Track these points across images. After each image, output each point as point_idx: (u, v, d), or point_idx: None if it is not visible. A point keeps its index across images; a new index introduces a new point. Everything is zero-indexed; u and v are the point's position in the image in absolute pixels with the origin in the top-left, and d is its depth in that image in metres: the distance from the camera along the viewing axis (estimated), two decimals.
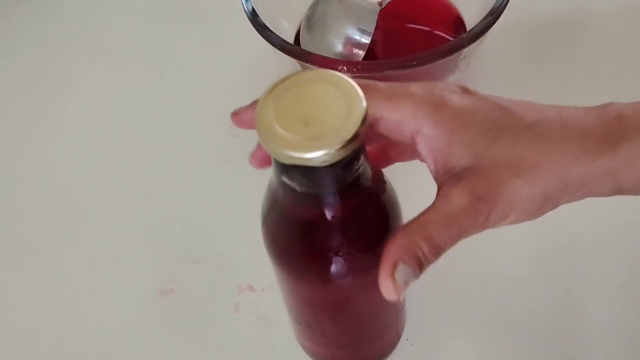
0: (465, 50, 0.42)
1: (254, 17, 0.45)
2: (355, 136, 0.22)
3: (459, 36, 0.43)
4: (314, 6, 0.50)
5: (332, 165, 0.22)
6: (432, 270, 0.42)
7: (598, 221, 0.43)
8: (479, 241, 0.42)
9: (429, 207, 0.26)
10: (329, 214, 0.26)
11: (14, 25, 0.62)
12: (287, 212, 0.27)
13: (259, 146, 0.30)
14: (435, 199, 0.26)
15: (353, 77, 0.24)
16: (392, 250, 0.25)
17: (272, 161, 0.24)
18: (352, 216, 0.26)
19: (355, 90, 0.23)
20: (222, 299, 0.42)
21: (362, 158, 0.25)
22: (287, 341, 0.40)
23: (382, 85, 0.27)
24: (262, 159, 0.30)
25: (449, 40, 0.46)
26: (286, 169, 0.23)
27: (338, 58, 0.48)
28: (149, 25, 0.60)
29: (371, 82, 0.27)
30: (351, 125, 0.22)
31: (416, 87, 0.27)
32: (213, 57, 0.57)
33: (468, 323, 0.40)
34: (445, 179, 0.26)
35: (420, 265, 0.25)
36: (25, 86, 0.57)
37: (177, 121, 0.53)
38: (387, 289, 0.25)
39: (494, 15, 0.42)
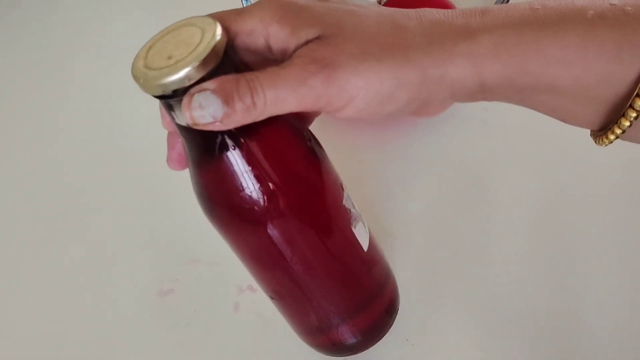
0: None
1: None
2: (210, 55, 0.24)
3: None
4: None
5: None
6: (432, 270, 0.42)
7: (598, 221, 0.43)
8: (479, 242, 0.42)
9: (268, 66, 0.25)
10: (225, 145, 0.26)
11: (14, 26, 0.62)
12: (196, 162, 0.28)
13: (169, 147, 0.30)
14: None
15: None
16: (213, 80, 0.24)
17: (159, 106, 0.26)
18: (249, 143, 0.26)
19: (212, 22, 0.25)
20: (222, 299, 0.42)
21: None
22: (287, 341, 0.40)
23: (235, 9, 0.27)
24: (178, 157, 0.30)
25: None
26: (168, 106, 0.25)
27: None
28: (149, 25, 0.60)
29: (226, 10, 0.27)
30: (204, 46, 0.24)
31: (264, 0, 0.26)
32: None
33: (468, 323, 0.40)
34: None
35: (229, 101, 0.23)
36: (25, 86, 0.57)
37: None
38: (183, 104, 0.24)
39: None
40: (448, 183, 0.45)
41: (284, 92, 0.24)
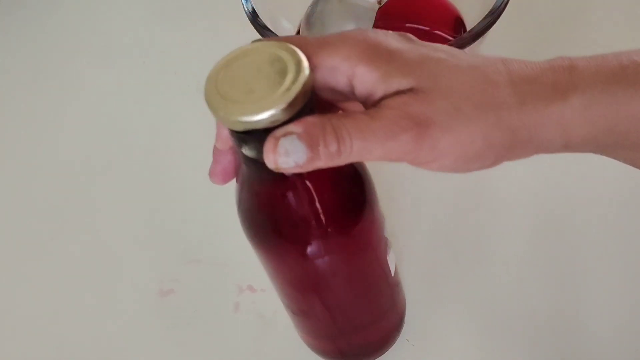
0: (465, 51, 0.42)
1: (254, 17, 0.45)
2: (299, 94, 0.22)
3: (459, 36, 0.43)
4: (313, 5, 0.50)
5: (279, 127, 0.23)
6: (433, 270, 0.42)
7: (599, 221, 0.43)
8: (479, 241, 0.42)
9: (359, 112, 0.24)
10: (292, 184, 0.26)
11: (14, 26, 0.62)
12: (254, 190, 0.27)
13: (214, 161, 0.29)
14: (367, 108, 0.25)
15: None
16: (296, 122, 0.23)
17: (230, 135, 0.25)
18: (316, 182, 0.26)
19: (294, 51, 0.24)
20: (222, 299, 0.42)
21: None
22: (287, 341, 0.40)
23: (314, 37, 0.26)
24: (224, 170, 0.29)
25: (449, 40, 0.46)
26: (242, 139, 0.24)
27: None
28: (149, 25, 0.60)
29: (302, 36, 0.26)
30: (293, 84, 0.23)
31: (350, 32, 0.25)
32: (213, 57, 0.57)
33: (468, 323, 0.40)
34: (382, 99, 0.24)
35: (314, 147, 0.22)
36: (26, 86, 0.57)
37: (177, 121, 0.53)
38: (266, 148, 0.23)
39: (494, 15, 0.42)
40: (449, 183, 0.45)
41: (372, 144, 0.23)
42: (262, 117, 0.22)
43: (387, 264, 0.33)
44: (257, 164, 0.24)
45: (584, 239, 0.42)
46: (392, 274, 0.34)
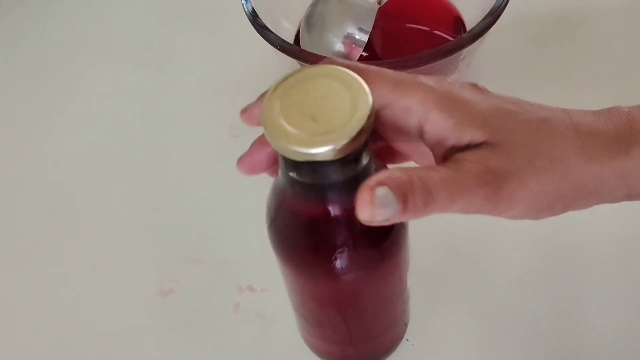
0: (465, 51, 0.42)
1: (254, 17, 0.45)
2: (363, 130, 0.22)
3: (458, 36, 0.43)
4: (313, 5, 0.50)
5: (341, 160, 0.22)
6: (433, 271, 0.42)
7: (598, 221, 0.43)
8: (479, 241, 0.42)
9: (439, 166, 0.25)
10: (338, 209, 0.26)
11: (14, 26, 0.62)
12: (296, 210, 0.27)
13: (250, 152, 0.29)
14: (445, 161, 0.25)
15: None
16: (384, 175, 0.23)
17: (280, 159, 0.24)
18: None
19: (360, 83, 0.23)
20: (222, 299, 0.42)
21: (369, 151, 0.25)
22: (287, 341, 0.40)
23: (390, 72, 0.26)
24: (255, 164, 0.29)
25: (449, 40, 0.46)
26: (295, 165, 0.24)
27: (337, 57, 0.48)
28: (149, 25, 0.60)
29: (379, 68, 0.26)
30: (358, 119, 0.22)
31: (425, 78, 0.26)
32: (213, 57, 0.57)
33: (468, 323, 0.40)
34: (457, 152, 0.25)
35: (404, 201, 0.23)
36: (26, 86, 0.57)
37: (177, 121, 0.53)
38: (362, 200, 0.23)
39: (494, 15, 0.42)
40: None
41: (456, 197, 0.24)
42: (322, 150, 0.22)
43: (406, 280, 0.34)
44: (304, 188, 0.25)
45: (585, 239, 0.42)
46: (408, 287, 0.35)
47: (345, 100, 0.23)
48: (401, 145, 0.29)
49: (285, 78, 0.24)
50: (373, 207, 0.22)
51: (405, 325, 0.39)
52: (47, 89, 0.57)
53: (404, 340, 0.39)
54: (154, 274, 0.44)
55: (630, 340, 0.38)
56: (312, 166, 0.23)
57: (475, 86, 0.27)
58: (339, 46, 0.49)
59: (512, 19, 0.46)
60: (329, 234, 0.27)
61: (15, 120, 0.55)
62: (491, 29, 0.42)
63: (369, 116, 0.22)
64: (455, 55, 0.42)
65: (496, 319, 0.40)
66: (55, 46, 0.60)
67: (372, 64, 0.42)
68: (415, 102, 0.25)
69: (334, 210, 0.26)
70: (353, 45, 0.49)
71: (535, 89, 0.51)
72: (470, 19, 0.49)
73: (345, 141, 0.22)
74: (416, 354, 0.39)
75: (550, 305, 0.40)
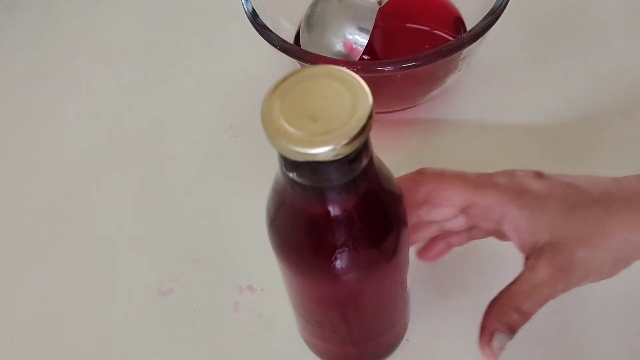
0: (465, 51, 0.42)
1: (254, 17, 0.45)
2: (363, 130, 0.22)
3: (459, 36, 0.43)
4: (313, 5, 0.50)
5: (341, 160, 0.23)
6: (433, 270, 0.42)
7: None
8: (479, 241, 0.42)
9: (517, 278, 0.31)
10: (339, 209, 0.26)
11: (14, 25, 0.62)
12: (296, 210, 0.27)
13: (431, 243, 0.38)
14: (523, 270, 0.31)
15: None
16: (489, 321, 0.31)
17: (279, 159, 0.24)
18: (363, 209, 0.26)
19: (360, 84, 0.23)
20: (222, 299, 0.42)
21: (370, 152, 0.25)
22: (287, 341, 0.40)
23: (471, 175, 0.33)
24: (436, 253, 0.38)
25: (449, 40, 0.46)
26: (295, 165, 0.24)
27: (337, 57, 0.48)
28: (148, 25, 0.60)
29: (460, 172, 0.33)
30: (358, 120, 0.22)
31: (499, 177, 0.32)
32: (213, 57, 0.57)
33: (468, 323, 0.40)
34: (530, 252, 0.31)
35: (511, 331, 0.30)
36: (25, 86, 0.57)
37: (177, 121, 0.53)
38: (487, 355, 0.31)
39: (494, 15, 0.42)
40: None
41: (542, 302, 0.31)
42: (322, 151, 0.22)
43: (407, 280, 0.34)
44: (304, 188, 0.25)
45: None
46: (408, 287, 0.35)
47: (345, 100, 0.23)
48: (486, 228, 0.35)
49: (285, 78, 0.24)
50: (496, 355, 0.31)
51: (406, 325, 0.39)
52: (46, 89, 0.57)
53: (404, 340, 0.39)
54: (154, 274, 0.44)
55: (631, 339, 0.38)
56: (312, 166, 0.23)
57: (540, 176, 0.33)
58: (339, 46, 0.49)
59: (512, 19, 0.46)
60: (329, 234, 0.27)
61: (15, 120, 0.55)
62: (491, 29, 0.42)
63: (369, 116, 0.22)
64: (455, 55, 0.42)
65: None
66: (55, 46, 0.60)
67: (372, 64, 0.43)
68: (494, 203, 0.31)
69: (334, 210, 0.26)
70: (353, 46, 0.49)
71: (535, 88, 0.51)
72: (470, 19, 0.49)
73: (345, 141, 0.22)
74: (416, 354, 0.39)
75: (550, 305, 0.40)
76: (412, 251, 0.35)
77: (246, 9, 0.45)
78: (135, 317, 0.42)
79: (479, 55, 0.48)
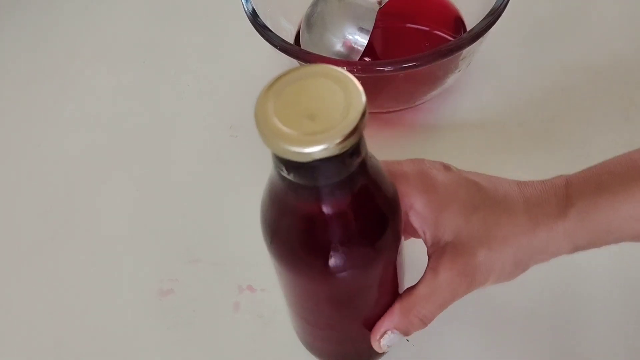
0: (465, 51, 0.42)
1: (254, 17, 0.45)
2: (355, 130, 0.22)
3: (459, 36, 0.43)
4: (313, 5, 0.50)
5: (334, 159, 0.23)
6: None
7: None
8: None
9: (421, 278, 0.32)
10: (333, 207, 0.26)
11: (14, 26, 0.62)
12: (291, 209, 0.27)
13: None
14: (426, 270, 0.32)
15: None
16: (385, 322, 0.32)
17: (273, 158, 0.24)
18: (357, 207, 0.26)
19: (354, 83, 0.23)
20: (222, 298, 0.42)
21: (364, 151, 0.25)
22: (287, 341, 0.40)
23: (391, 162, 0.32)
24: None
25: (449, 40, 0.46)
26: (288, 164, 0.24)
27: (337, 57, 0.48)
28: (148, 25, 0.60)
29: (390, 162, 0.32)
30: (351, 119, 0.22)
31: (408, 166, 0.32)
32: (213, 57, 0.57)
33: (468, 323, 0.40)
34: (433, 250, 0.31)
35: (407, 334, 0.32)
36: (25, 86, 0.57)
37: (177, 121, 0.53)
38: (375, 347, 0.33)
39: (494, 15, 0.42)
40: None
41: (446, 303, 0.31)
42: (314, 150, 0.22)
43: (403, 276, 0.34)
44: (298, 187, 0.25)
45: None
46: (404, 283, 0.35)
47: (339, 99, 0.23)
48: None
49: (279, 77, 0.24)
50: (383, 349, 0.33)
51: None
52: (46, 89, 0.57)
53: (404, 340, 0.39)
54: (154, 274, 0.44)
55: (631, 338, 0.38)
56: (306, 165, 0.23)
57: (447, 168, 0.32)
58: (339, 46, 0.49)
59: (512, 19, 0.46)
60: (324, 233, 0.27)
61: (15, 120, 0.55)
62: (491, 29, 0.42)
63: (363, 115, 0.22)
64: (455, 55, 0.42)
65: (496, 318, 0.40)
66: (55, 46, 0.60)
67: (372, 64, 0.42)
68: (402, 194, 0.30)
69: (327, 209, 0.26)
70: (353, 46, 0.49)
71: (535, 88, 0.51)
72: (470, 19, 0.49)
73: (338, 140, 0.22)
74: (416, 354, 0.39)
75: (551, 304, 0.40)
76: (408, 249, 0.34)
77: (246, 9, 0.45)
78: (135, 317, 0.42)
79: (479, 55, 0.48)
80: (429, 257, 0.32)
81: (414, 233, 0.32)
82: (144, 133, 0.52)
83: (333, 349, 0.38)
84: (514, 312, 0.40)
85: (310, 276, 0.29)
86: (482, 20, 0.42)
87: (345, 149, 0.22)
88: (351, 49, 0.49)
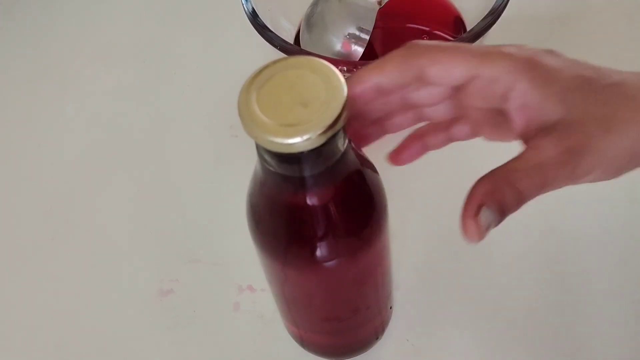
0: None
1: (254, 17, 0.45)
2: (338, 120, 0.22)
3: (459, 36, 0.43)
4: (313, 5, 0.50)
5: (316, 150, 0.23)
6: (433, 270, 0.42)
7: (600, 219, 0.43)
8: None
9: (517, 156, 0.26)
10: (317, 198, 0.26)
11: (14, 26, 0.62)
12: (275, 201, 0.27)
13: (404, 147, 0.32)
14: (524, 150, 0.27)
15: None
16: (477, 193, 0.25)
17: (257, 149, 0.25)
18: (341, 197, 0.27)
19: (336, 75, 0.24)
20: (222, 298, 0.42)
21: (345, 143, 0.25)
22: (287, 341, 0.40)
23: (472, 46, 0.28)
24: (409, 156, 0.32)
25: (449, 40, 0.46)
26: (272, 156, 0.24)
27: (337, 57, 0.48)
28: (148, 25, 0.60)
29: (461, 44, 0.28)
30: (333, 110, 0.23)
31: (508, 48, 0.28)
32: (213, 57, 0.57)
33: (468, 323, 0.40)
34: (536, 132, 0.27)
35: (502, 211, 0.25)
36: (25, 86, 0.57)
37: (177, 121, 0.53)
38: (470, 230, 0.25)
39: (494, 15, 0.42)
40: (448, 181, 0.45)
41: (543, 185, 0.26)
42: (296, 141, 0.22)
43: (390, 266, 0.34)
44: (281, 178, 0.25)
45: (586, 236, 0.42)
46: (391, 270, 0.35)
47: (321, 91, 0.23)
48: (475, 116, 0.30)
49: (262, 69, 0.24)
50: (481, 232, 0.25)
51: (391, 309, 0.39)
52: (46, 89, 0.57)
53: (403, 340, 0.39)
54: (154, 274, 0.44)
55: (631, 337, 0.38)
56: (289, 156, 0.23)
57: (553, 53, 0.29)
58: (339, 46, 0.49)
59: (512, 19, 0.46)
60: (309, 224, 0.27)
61: (15, 120, 0.55)
62: (491, 28, 0.42)
63: (344, 107, 0.23)
64: None
65: (496, 318, 0.40)
66: (55, 46, 0.60)
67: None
68: (503, 72, 0.27)
69: (311, 199, 0.26)
70: (353, 46, 0.49)
71: None
72: (470, 19, 0.49)
73: (320, 131, 0.22)
74: (416, 354, 0.39)
75: (551, 304, 0.40)
76: (383, 155, 0.33)
77: (246, 9, 0.45)
78: (135, 317, 0.42)
79: None
80: (528, 140, 0.27)
81: (502, 127, 0.29)
82: (144, 133, 0.52)
83: (327, 342, 0.38)
84: (514, 312, 0.40)
85: (297, 267, 0.29)
86: (482, 20, 0.42)
87: (327, 139, 0.23)
88: (351, 49, 0.49)
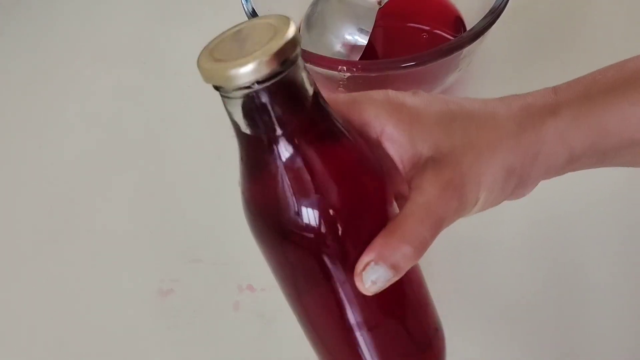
0: (466, 50, 0.42)
1: (253, 17, 0.45)
2: (284, 50, 0.23)
3: (459, 36, 0.43)
4: (313, 5, 0.50)
5: (276, 86, 0.23)
6: (433, 269, 0.42)
7: (600, 218, 0.43)
8: (477, 240, 0.42)
9: (408, 201, 0.27)
10: (292, 157, 0.25)
11: (14, 26, 0.62)
12: (257, 175, 0.27)
13: None
14: (410, 192, 0.27)
15: (352, 76, 0.25)
16: (367, 252, 0.26)
17: (228, 114, 0.26)
18: (326, 156, 0.26)
19: (286, 18, 0.25)
20: (222, 298, 0.42)
21: (309, 90, 0.25)
22: (287, 340, 0.40)
23: (343, 95, 0.29)
24: None
25: (449, 40, 0.46)
26: (234, 104, 0.25)
27: (337, 57, 0.48)
28: (148, 25, 0.60)
29: (332, 94, 0.28)
30: (278, 39, 0.23)
31: (374, 94, 0.29)
32: None
33: (468, 322, 0.40)
34: (413, 172, 0.28)
35: (396, 265, 0.25)
36: (25, 87, 0.57)
37: (177, 121, 0.53)
38: (361, 287, 0.26)
39: (494, 14, 0.42)
40: None
41: (437, 225, 0.26)
42: (247, 69, 0.23)
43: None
44: (255, 139, 0.26)
45: (586, 236, 0.42)
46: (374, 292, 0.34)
47: (270, 31, 0.24)
48: None
49: (220, 34, 0.26)
50: (372, 288, 0.25)
51: (439, 331, 0.34)
52: (46, 89, 0.57)
53: None
54: (154, 274, 0.44)
55: (631, 336, 0.38)
56: (252, 99, 0.24)
57: (416, 93, 0.29)
58: (339, 46, 0.49)
59: (512, 19, 0.46)
60: (295, 187, 0.26)
61: (15, 121, 0.55)
62: (491, 28, 0.42)
63: (293, 37, 0.23)
64: (456, 54, 0.42)
65: (497, 317, 0.40)
66: (55, 46, 0.60)
67: (372, 64, 0.42)
68: (371, 118, 0.28)
69: (293, 161, 0.25)
70: (353, 46, 0.49)
71: (535, 88, 0.51)
72: (470, 19, 0.49)
73: (265, 58, 0.22)
74: None
75: (551, 302, 0.40)
76: None
77: (246, 9, 0.45)
78: (136, 317, 0.42)
79: (479, 55, 0.48)
80: (410, 181, 0.28)
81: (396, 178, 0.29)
82: (144, 133, 0.52)
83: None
84: (515, 310, 0.40)
85: (297, 245, 0.27)
86: (482, 19, 0.42)
87: (275, 67, 0.23)
88: (351, 49, 0.49)
